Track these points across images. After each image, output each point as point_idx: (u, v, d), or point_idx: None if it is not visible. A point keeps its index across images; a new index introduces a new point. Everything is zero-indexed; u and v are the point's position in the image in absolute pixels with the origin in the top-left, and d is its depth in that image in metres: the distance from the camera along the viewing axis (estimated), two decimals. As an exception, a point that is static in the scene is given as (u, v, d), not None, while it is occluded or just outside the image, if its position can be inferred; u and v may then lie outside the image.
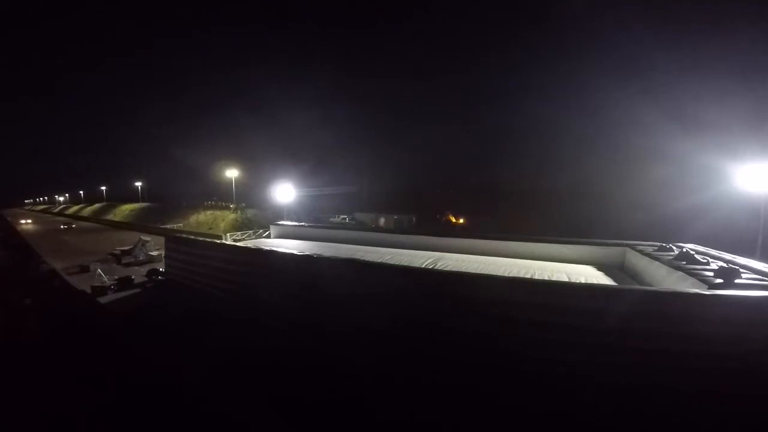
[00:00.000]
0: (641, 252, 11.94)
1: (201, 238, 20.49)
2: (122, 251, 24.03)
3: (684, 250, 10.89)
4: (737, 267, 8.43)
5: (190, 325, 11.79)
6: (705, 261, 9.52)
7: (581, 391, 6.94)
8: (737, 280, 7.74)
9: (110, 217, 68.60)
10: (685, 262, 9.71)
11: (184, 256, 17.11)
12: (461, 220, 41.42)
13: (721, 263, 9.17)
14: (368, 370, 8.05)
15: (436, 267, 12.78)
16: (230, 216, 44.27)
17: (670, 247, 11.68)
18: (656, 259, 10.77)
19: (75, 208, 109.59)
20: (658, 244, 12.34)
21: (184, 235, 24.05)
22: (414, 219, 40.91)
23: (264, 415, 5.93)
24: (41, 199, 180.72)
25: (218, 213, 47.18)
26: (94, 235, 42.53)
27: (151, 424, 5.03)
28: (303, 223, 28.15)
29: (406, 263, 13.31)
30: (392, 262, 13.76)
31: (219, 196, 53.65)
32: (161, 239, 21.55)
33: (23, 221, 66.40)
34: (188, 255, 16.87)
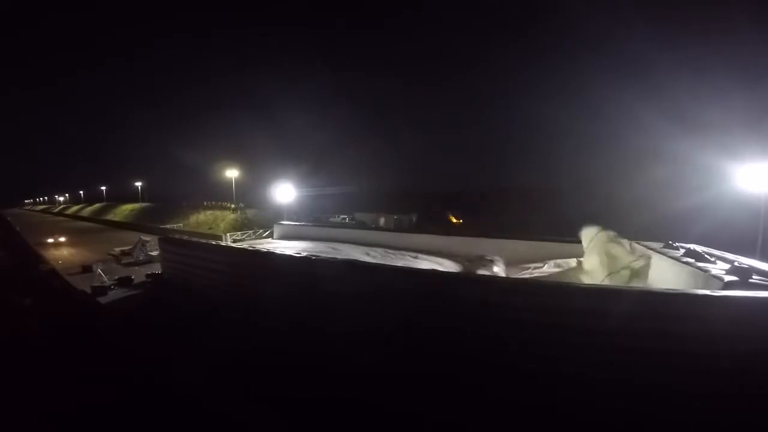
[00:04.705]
0: (648, 248, 11.97)
1: (195, 239, 20.51)
2: (122, 251, 24.05)
3: (691, 248, 10.88)
4: (750, 267, 8.37)
5: (190, 325, 11.79)
6: (713, 259, 9.51)
7: (582, 391, 6.94)
8: (750, 280, 7.69)
9: (110, 217, 68.60)
10: (693, 260, 9.72)
11: (180, 258, 17.09)
12: (461, 220, 41.43)
13: (725, 264, 9.16)
14: (369, 370, 8.04)
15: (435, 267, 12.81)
16: (230, 216, 44.29)
17: (677, 246, 11.68)
18: (662, 256, 10.80)
19: (75, 208, 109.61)
20: (661, 243, 12.35)
21: (178, 236, 24.10)
22: (414, 219, 40.91)
23: (264, 415, 5.93)
24: (41, 199, 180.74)
25: (218, 213, 47.21)
26: (96, 234, 42.59)
27: (151, 424, 5.03)
28: (305, 223, 28.22)
29: (405, 263, 13.33)
30: (392, 262, 13.78)
31: (220, 196, 53.62)
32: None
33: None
34: (184, 256, 16.85)
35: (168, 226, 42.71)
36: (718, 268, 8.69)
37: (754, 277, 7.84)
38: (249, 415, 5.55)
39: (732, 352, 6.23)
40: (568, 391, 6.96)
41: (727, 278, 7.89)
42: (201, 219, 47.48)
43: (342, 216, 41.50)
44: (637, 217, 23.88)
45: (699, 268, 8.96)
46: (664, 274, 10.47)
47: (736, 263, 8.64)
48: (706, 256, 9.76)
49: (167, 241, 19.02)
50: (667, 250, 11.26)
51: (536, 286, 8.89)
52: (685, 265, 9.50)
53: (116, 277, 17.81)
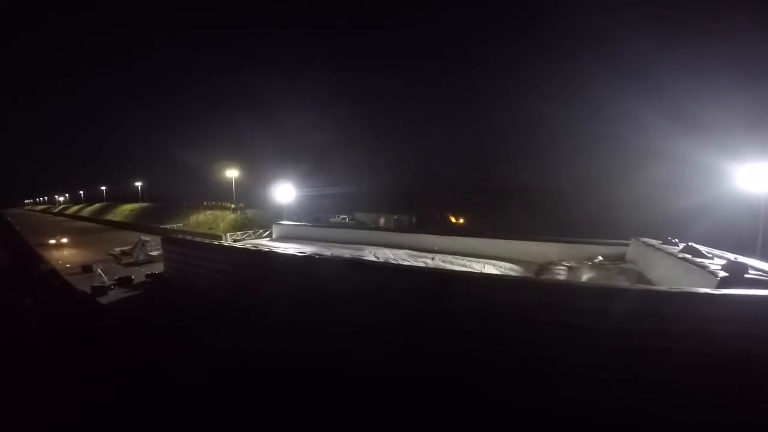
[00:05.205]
0: (646, 244, 12.03)
1: (198, 239, 20.50)
2: (122, 251, 24.04)
3: (689, 245, 10.92)
4: (745, 263, 8.39)
5: (190, 325, 11.79)
6: (710, 255, 9.54)
7: (582, 391, 6.94)
8: (745, 275, 7.69)
9: (110, 217, 68.62)
10: (691, 256, 9.75)
11: (182, 257, 17.12)
12: (461, 220, 41.43)
13: (722, 260, 9.18)
14: (369, 370, 8.04)
15: (434, 266, 12.79)
16: (230, 216, 44.28)
17: (676, 242, 11.71)
18: (660, 252, 10.83)
19: (75, 208, 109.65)
20: (660, 240, 12.37)
21: (180, 236, 24.11)
22: (414, 219, 40.89)
23: (264, 415, 5.92)
24: (41, 199, 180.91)
25: (218, 213, 47.19)
26: (96, 234, 42.62)
27: (151, 424, 5.03)
28: (304, 223, 28.18)
29: (405, 263, 13.32)
30: (392, 261, 13.77)
31: (220, 196, 53.58)
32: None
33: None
34: (185, 256, 16.87)
35: (168, 226, 42.72)
36: (715, 264, 8.70)
37: (750, 272, 7.84)
38: (249, 415, 5.55)
39: (732, 351, 6.23)
40: (568, 391, 6.97)
41: (723, 274, 7.90)
42: (201, 219, 47.47)
43: (342, 216, 41.46)
44: (638, 216, 23.87)
45: (696, 263, 8.98)
46: (662, 269, 10.50)
47: (732, 259, 8.67)
48: (703, 252, 9.80)
49: (169, 240, 19.03)
50: (665, 246, 11.29)
51: (535, 285, 8.89)
52: (682, 261, 9.52)
53: (116, 277, 17.82)
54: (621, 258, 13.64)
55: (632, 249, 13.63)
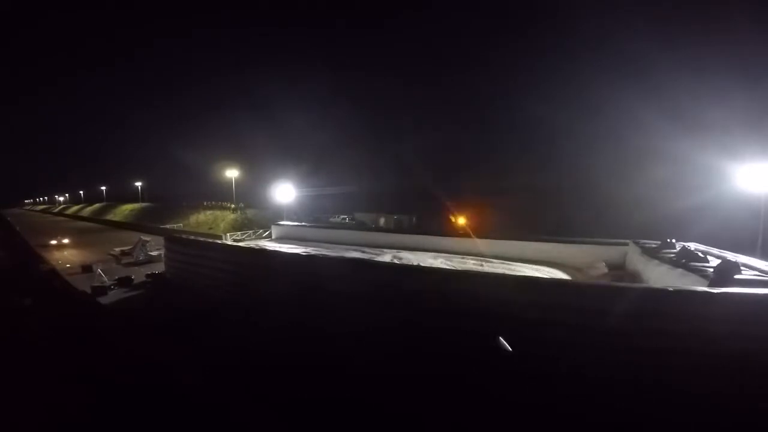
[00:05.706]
0: (642, 248, 12.01)
1: (201, 239, 20.51)
2: (122, 251, 24.05)
3: (686, 246, 10.92)
4: (736, 263, 8.41)
5: (190, 325, 11.79)
6: (704, 257, 9.55)
7: (582, 391, 6.94)
8: (737, 276, 7.71)
9: (110, 217, 68.64)
10: (685, 260, 9.74)
11: (184, 257, 17.12)
12: (461, 220, 41.41)
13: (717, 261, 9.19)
14: (368, 370, 8.04)
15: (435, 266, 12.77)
16: (230, 216, 44.28)
17: (674, 242, 11.71)
18: (655, 257, 10.82)
19: (75, 208, 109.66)
20: (659, 241, 12.37)
21: (184, 236, 24.10)
22: (414, 219, 40.87)
23: (264, 415, 5.93)
24: (41, 199, 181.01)
25: (218, 213, 47.19)
26: (96, 234, 42.63)
27: (151, 424, 5.03)
28: (304, 223, 28.16)
29: (406, 263, 13.31)
30: (392, 261, 13.76)
31: (220, 196, 53.55)
32: (161, 239, 21.58)
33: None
34: (187, 255, 16.88)
35: (168, 227, 42.71)
36: (710, 267, 8.72)
37: (741, 272, 7.87)
38: (249, 415, 5.55)
39: (732, 351, 6.23)
40: (568, 391, 6.97)
41: (715, 273, 7.92)
42: (201, 219, 47.46)
43: (342, 216, 41.44)
44: (638, 216, 23.88)
45: (689, 268, 9.00)
46: (657, 275, 10.48)
47: (732, 258, 8.69)
48: (698, 254, 9.80)
49: (172, 240, 19.05)
50: (661, 251, 11.28)
51: (535, 285, 8.88)
52: (676, 268, 9.52)
53: (116, 277, 17.82)
54: (621, 260, 13.64)
55: (630, 252, 13.61)
